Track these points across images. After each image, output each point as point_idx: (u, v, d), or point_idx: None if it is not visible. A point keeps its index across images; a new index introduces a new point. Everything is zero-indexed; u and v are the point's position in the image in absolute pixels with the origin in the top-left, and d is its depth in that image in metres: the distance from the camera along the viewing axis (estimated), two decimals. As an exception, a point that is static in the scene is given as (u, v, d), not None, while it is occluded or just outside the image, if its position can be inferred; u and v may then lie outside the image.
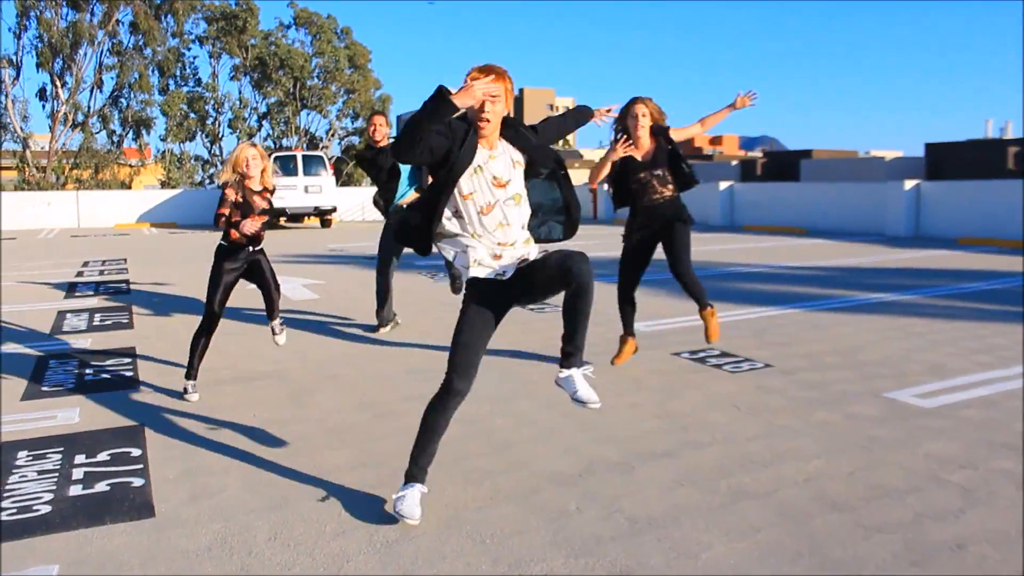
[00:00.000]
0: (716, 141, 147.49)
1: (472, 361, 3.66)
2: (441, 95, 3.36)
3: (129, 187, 36.59)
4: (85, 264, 15.20)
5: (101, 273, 13.72)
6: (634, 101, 6.04)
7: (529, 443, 4.72)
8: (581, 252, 3.45)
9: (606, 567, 3.24)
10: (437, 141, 3.51)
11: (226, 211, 5.80)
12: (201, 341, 5.90)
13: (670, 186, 6.10)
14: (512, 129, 3.74)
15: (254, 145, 5.93)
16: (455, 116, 3.55)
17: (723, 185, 24.89)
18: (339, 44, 39.68)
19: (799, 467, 4.26)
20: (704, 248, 16.93)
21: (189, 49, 39.09)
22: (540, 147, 3.84)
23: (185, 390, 5.81)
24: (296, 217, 26.10)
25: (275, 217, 6.01)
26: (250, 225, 5.70)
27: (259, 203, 5.89)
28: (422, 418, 3.74)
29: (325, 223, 26.60)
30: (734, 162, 41.10)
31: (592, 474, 4.23)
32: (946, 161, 30.90)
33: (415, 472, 3.75)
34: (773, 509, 3.75)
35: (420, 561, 3.32)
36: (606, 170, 6.17)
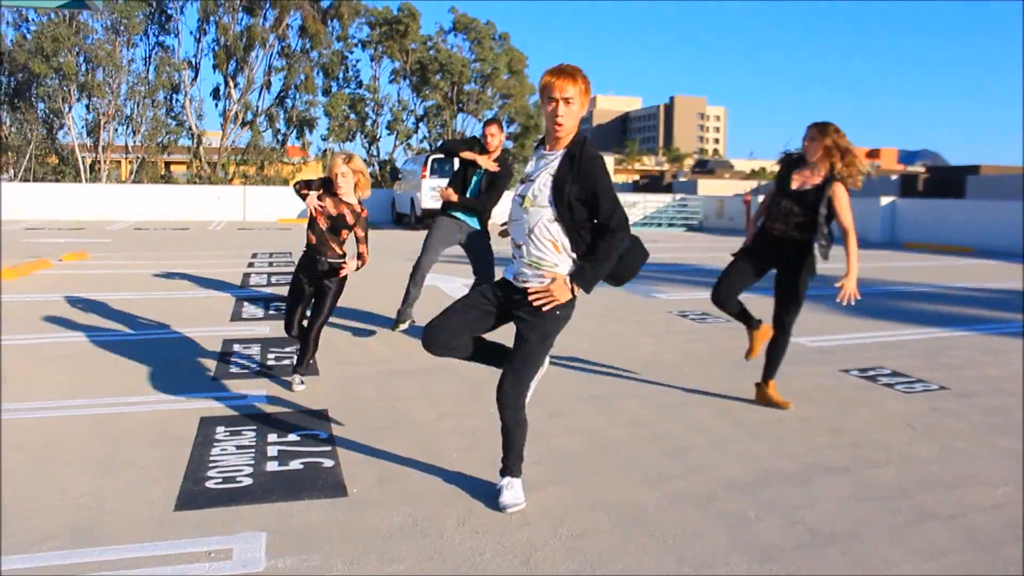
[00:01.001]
0: (873, 154, 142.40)
1: (447, 327, 3.96)
2: None
3: (289, 184, 38.30)
4: (254, 256, 16.04)
5: (271, 265, 14.47)
6: (814, 126, 5.44)
7: (703, 449, 4.77)
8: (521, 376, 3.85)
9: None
10: None
11: (306, 189, 5.98)
12: (292, 336, 6.22)
13: (801, 231, 5.51)
14: (572, 160, 3.72)
15: (348, 160, 5.93)
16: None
17: (884, 200, 24.02)
18: (497, 50, 40.38)
19: (985, 492, 4.16)
20: (866, 265, 16.40)
21: (352, 52, 40.63)
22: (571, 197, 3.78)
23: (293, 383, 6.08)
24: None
25: (339, 229, 5.96)
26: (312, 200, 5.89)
27: (328, 206, 5.91)
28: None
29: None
30: (893, 176, 39.55)
31: (768, 484, 4.25)
32: None
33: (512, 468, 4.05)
34: (961, 533, 3.68)
35: (606, 557, 3.44)
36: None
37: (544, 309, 3.72)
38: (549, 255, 3.77)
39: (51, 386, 5.96)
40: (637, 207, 31.31)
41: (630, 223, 3.81)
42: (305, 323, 6.17)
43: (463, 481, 4.27)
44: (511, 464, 3.98)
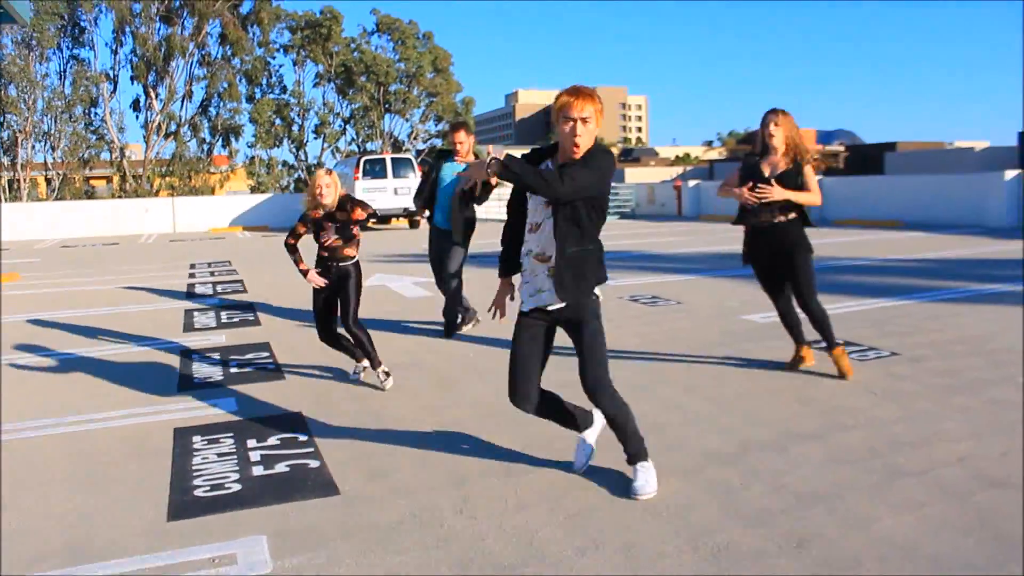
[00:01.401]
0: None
1: (528, 378, 4.06)
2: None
3: (213, 193, 37.77)
4: (193, 266, 15.81)
5: (212, 275, 14.29)
6: (771, 112, 5.76)
7: (680, 426, 4.92)
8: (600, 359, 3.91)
9: (785, 536, 3.43)
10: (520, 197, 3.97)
11: (292, 240, 6.22)
12: (327, 341, 6.34)
13: (791, 214, 5.76)
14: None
15: (329, 172, 6.07)
16: (548, 148, 3.89)
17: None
18: (421, 49, 40.33)
19: (950, 448, 4.38)
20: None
21: (274, 58, 40.20)
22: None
23: (354, 371, 6.38)
24: (385, 219, 26.61)
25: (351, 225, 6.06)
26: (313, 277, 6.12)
27: (328, 226, 6.02)
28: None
29: (413, 224, 27.08)
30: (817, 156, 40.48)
31: (748, 453, 4.41)
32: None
33: (639, 455, 4.09)
34: (933, 486, 3.89)
35: (607, 532, 3.55)
36: (733, 186, 6.00)
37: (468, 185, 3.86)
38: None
39: (13, 408, 5.85)
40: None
41: (568, 194, 3.68)
42: (338, 327, 6.32)
43: (452, 471, 4.34)
44: (635, 450, 4.01)
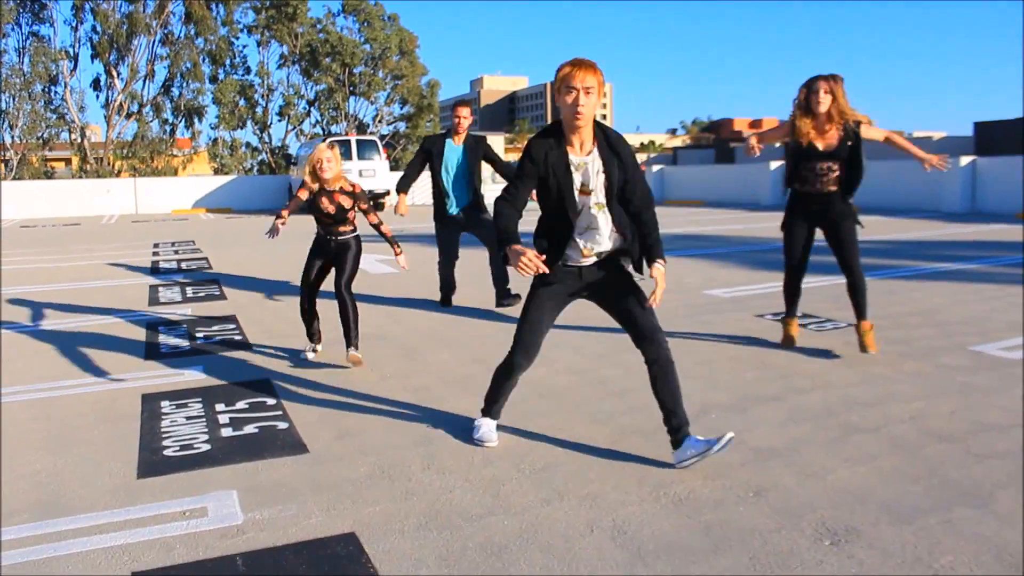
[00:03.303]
0: (756, 124, 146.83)
1: (537, 342, 4.02)
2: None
3: (176, 175, 37.36)
4: (157, 245, 15.70)
5: (176, 253, 14.21)
6: (817, 79, 5.62)
7: (642, 391, 4.99)
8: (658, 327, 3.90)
9: (743, 486, 3.55)
10: (529, 184, 3.85)
11: (285, 213, 5.99)
12: (303, 309, 6.17)
13: (842, 184, 5.78)
14: (609, 144, 3.84)
15: (331, 147, 5.97)
16: (549, 128, 3.85)
17: (774, 165, 24.92)
18: (387, 31, 40.09)
19: (902, 407, 4.54)
20: (762, 225, 17.12)
21: (238, 38, 39.74)
22: (619, 180, 3.85)
23: (306, 350, 6.20)
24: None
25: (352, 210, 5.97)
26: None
27: (326, 205, 5.91)
28: (493, 376, 4.25)
29: (378, 206, 27.00)
30: (778, 144, 40.92)
31: (708, 415, 4.54)
32: (997, 139, 30.64)
33: (490, 411, 4.29)
34: (885, 441, 4.04)
35: (570, 483, 3.65)
36: (772, 140, 6.07)
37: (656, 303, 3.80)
38: (614, 244, 3.91)
39: (-21, 375, 5.83)
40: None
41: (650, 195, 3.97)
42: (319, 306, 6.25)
43: (419, 432, 4.42)
44: (685, 416, 3.92)
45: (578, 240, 3.85)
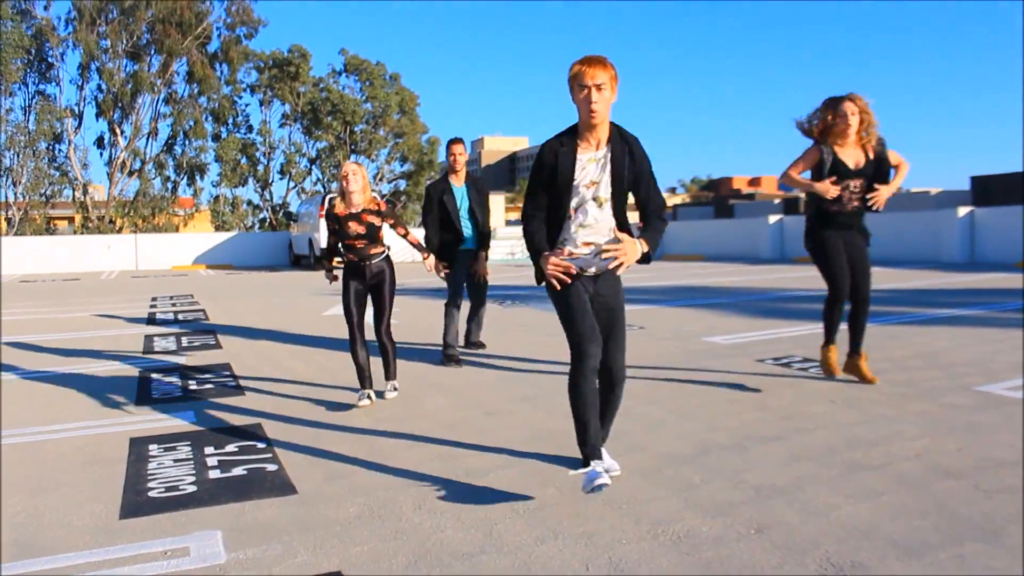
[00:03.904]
0: (755, 182, 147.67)
1: (593, 324, 3.78)
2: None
3: (177, 231, 37.48)
4: (155, 299, 15.65)
5: (174, 306, 14.14)
6: (842, 100, 5.61)
7: (640, 432, 4.92)
8: (624, 342, 3.91)
9: (744, 524, 3.42)
10: (544, 190, 3.84)
11: (327, 244, 6.12)
12: (357, 355, 5.99)
13: (862, 201, 5.77)
14: (625, 147, 3.80)
15: (358, 164, 5.99)
16: (565, 130, 3.84)
17: (772, 219, 24.99)
18: (388, 90, 40.54)
19: (907, 445, 4.42)
20: (761, 277, 17.09)
21: (241, 97, 40.19)
22: (629, 180, 3.84)
23: (359, 397, 5.89)
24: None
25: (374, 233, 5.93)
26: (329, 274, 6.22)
27: (355, 228, 5.88)
28: (572, 401, 3.72)
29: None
30: (776, 200, 41.18)
31: (708, 454, 4.42)
32: (993, 193, 30.73)
33: (591, 452, 3.67)
34: (891, 478, 3.92)
35: (565, 522, 3.53)
36: (807, 168, 5.84)
37: (618, 271, 3.69)
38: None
39: (-35, 420, 5.72)
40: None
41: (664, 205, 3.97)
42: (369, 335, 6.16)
43: (412, 474, 4.30)
44: (608, 432, 4.10)
45: (575, 233, 3.81)
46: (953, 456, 4.21)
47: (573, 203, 3.80)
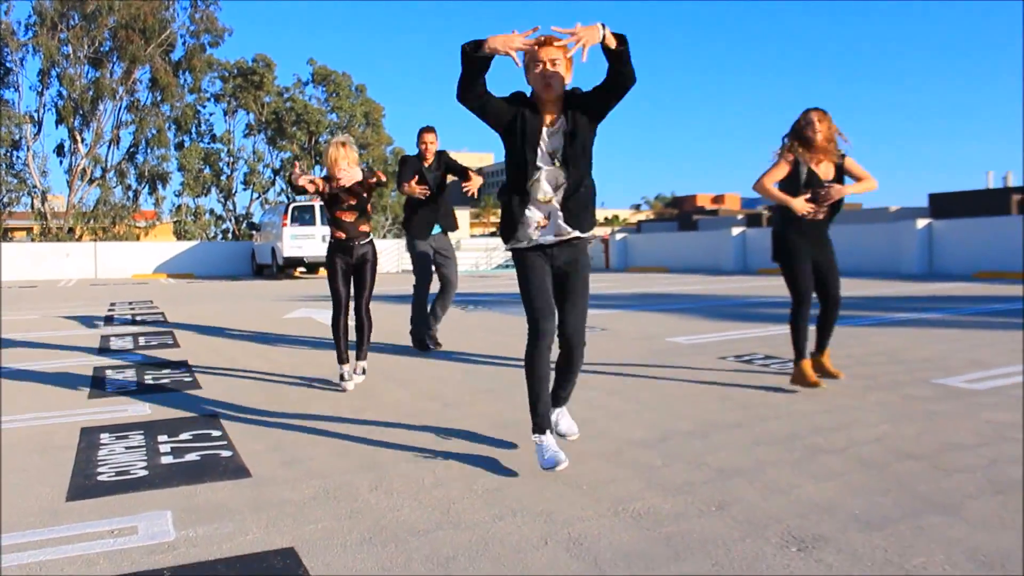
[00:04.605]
0: (718, 200, 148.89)
1: (549, 301, 3.93)
2: (464, 52, 3.63)
3: (137, 239, 36.98)
4: (113, 304, 15.39)
5: (132, 309, 13.92)
6: (810, 111, 5.70)
7: (603, 420, 4.88)
8: (584, 319, 3.99)
9: (705, 502, 3.39)
10: (499, 105, 3.84)
11: (307, 175, 6.15)
12: (339, 325, 6.19)
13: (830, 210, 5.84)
14: (576, 112, 3.86)
15: (343, 144, 6.01)
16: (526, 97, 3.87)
17: (736, 231, 25.18)
18: (354, 101, 40.41)
19: (868, 431, 4.43)
20: (723, 286, 17.19)
21: (205, 106, 39.82)
22: (581, 147, 3.91)
23: (341, 376, 6.13)
24: (313, 267, 26.32)
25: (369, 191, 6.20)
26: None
27: (346, 199, 6.10)
28: (526, 373, 3.93)
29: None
30: (740, 215, 41.53)
31: (669, 439, 4.39)
32: (950, 211, 31.22)
33: (540, 423, 3.91)
34: (852, 460, 3.91)
35: (524, 501, 3.47)
36: (779, 178, 5.83)
37: (585, 42, 3.57)
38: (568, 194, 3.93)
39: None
40: (498, 252, 31.73)
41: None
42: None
43: (369, 458, 4.22)
44: (568, 394, 4.27)
45: (539, 190, 3.90)
46: (913, 440, 4.21)
47: (544, 162, 3.88)
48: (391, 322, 10.35)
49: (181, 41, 37.55)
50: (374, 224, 39.82)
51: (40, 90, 35.28)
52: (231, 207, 41.49)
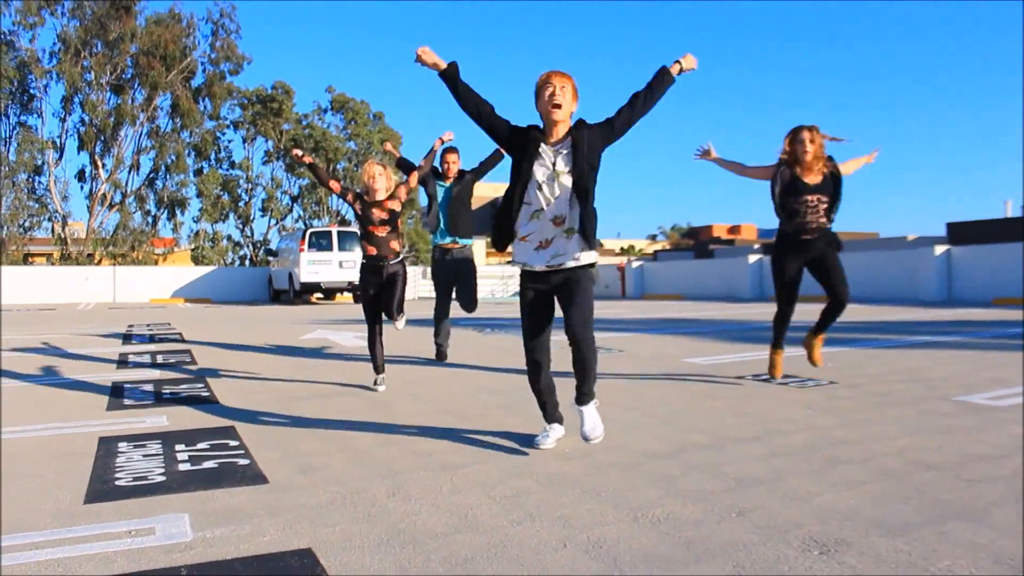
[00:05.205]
0: (735, 230, 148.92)
1: (536, 326, 4.34)
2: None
3: (156, 264, 37.23)
4: (131, 325, 15.47)
5: (150, 329, 13.99)
6: (800, 129, 6.18)
7: (619, 433, 4.85)
8: (586, 317, 4.14)
9: (724, 509, 3.36)
10: (499, 121, 4.18)
11: (345, 193, 6.57)
12: (374, 342, 6.60)
13: (830, 215, 6.26)
14: (582, 137, 4.11)
15: (381, 164, 6.41)
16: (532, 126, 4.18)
17: (752, 258, 25.12)
18: (371, 128, 40.68)
19: (887, 444, 4.39)
20: (749, 312, 17.13)
21: (224, 133, 40.18)
22: (587, 170, 4.12)
23: (375, 381, 6.66)
24: (330, 292, 26.40)
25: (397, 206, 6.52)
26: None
27: (378, 214, 6.37)
28: (530, 386, 4.56)
29: (358, 299, 26.90)
30: (756, 245, 41.48)
31: (686, 451, 4.36)
32: (968, 239, 31.06)
33: (547, 418, 4.58)
34: (872, 470, 3.87)
35: (542, 508, 3.45)
36: (759, 177, 6.44)
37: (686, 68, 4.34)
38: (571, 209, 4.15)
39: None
40: (514, 280, 31.77)
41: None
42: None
43: (386, 466, 4.22)
44: (589, 389, 4.31)
45: (538, 196, 4.12)
46: (933, 453, 4.17)
47: (550, 191, 4.12)
48: (412, 338, 10.36)
49: (201, 68, 38.08)
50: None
51: (63, 116, 35.78)
52: (249, 233, 41.76)
